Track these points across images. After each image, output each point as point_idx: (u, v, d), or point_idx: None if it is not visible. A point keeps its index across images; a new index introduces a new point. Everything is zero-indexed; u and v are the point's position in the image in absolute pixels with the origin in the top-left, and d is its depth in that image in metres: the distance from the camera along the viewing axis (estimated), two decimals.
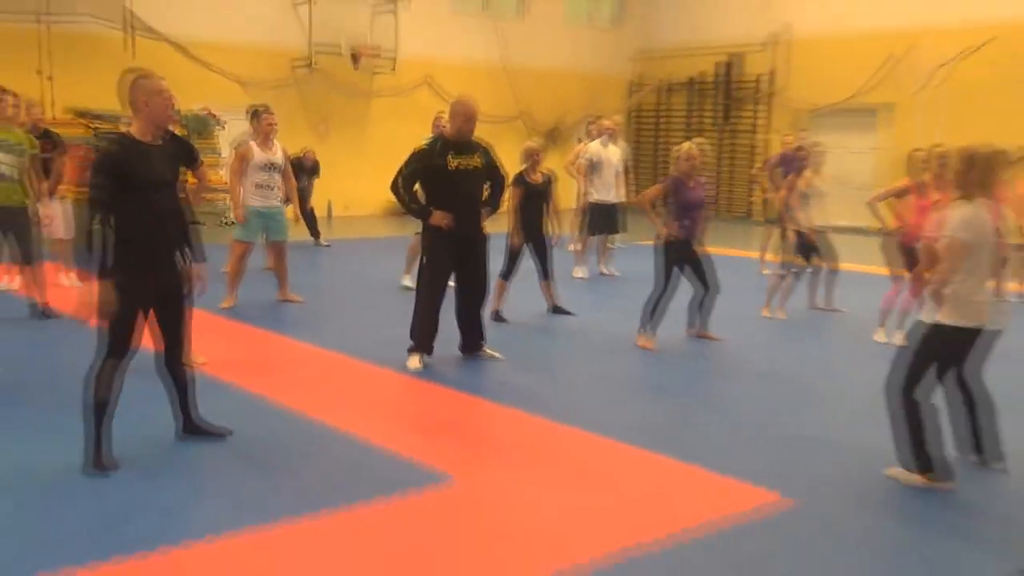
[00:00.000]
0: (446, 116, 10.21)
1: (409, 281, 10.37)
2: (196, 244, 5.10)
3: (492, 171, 7.15)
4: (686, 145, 8.02)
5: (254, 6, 17.85)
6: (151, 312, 4.92)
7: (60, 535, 4.03)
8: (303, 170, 13.56)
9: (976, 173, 4.77)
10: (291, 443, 5.31)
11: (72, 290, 9.53)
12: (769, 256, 12.02)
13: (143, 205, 4.69)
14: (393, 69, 19.11)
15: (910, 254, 8.24)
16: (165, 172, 4.81)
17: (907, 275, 8.26)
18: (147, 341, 5.01)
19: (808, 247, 9.27)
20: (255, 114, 9.26)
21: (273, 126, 9.13)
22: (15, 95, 8.24)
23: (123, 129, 4.97)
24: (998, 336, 4.97)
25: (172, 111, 4.87)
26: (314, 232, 14.19)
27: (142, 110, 4.75)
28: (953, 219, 4.72)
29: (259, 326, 8.40)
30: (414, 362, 7.03)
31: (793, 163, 11.31)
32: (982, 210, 4.75)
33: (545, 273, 9.12)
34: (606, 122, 12.08)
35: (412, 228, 10.63)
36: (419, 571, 3.83)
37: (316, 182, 14.94)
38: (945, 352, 4.90)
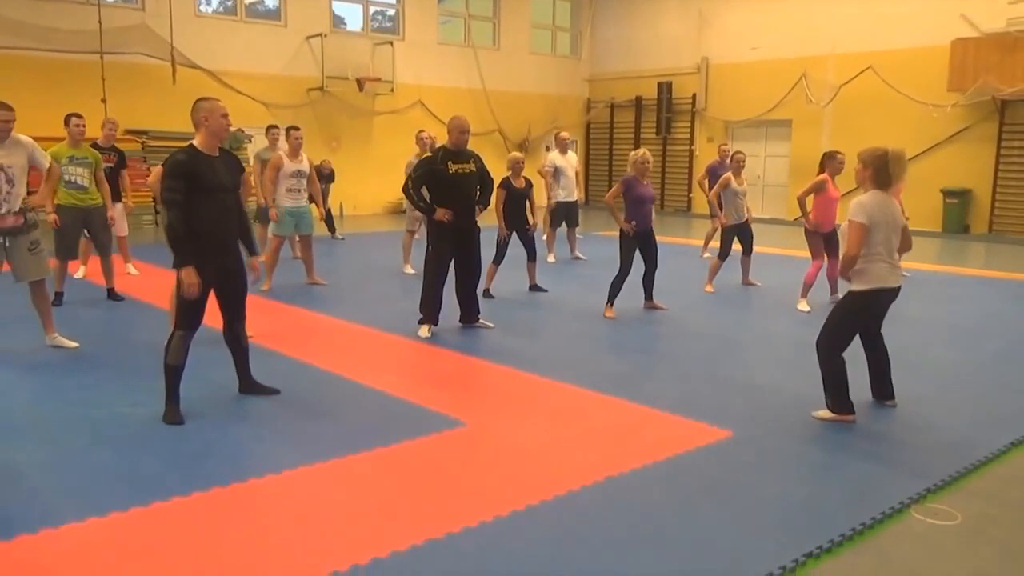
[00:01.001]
0: (426, 132, 10.41)
1: (409, 269, 10.44)
2: (251, 239, 5.16)
3: (483, 175, 7.23)
4: (640, 150, 8.10)
5: (275, 42, 17.75)
6: (214, 291, 4.95)
7: (149, 475, 4.07)
8: (322, 177, 13.54)
9: (872, 171, 4.92)
10: (330, 397, 5.39)
11: (134, 278, 9.61)
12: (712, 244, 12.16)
13: (211, 204, 4.73)
14: (392, 91, 19.05)
15: (827, 239, 8.42)
16: (226, 178, 4.83)
17: (823, 256, 8.44)
18: (208, 318, 5.06)
19: (736, 236, 9.44)
20: (287, 131, 9.27)
21: (300, 141, 9.15)
22: (80, 116, 8.21)
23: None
24: (895, 295, 5.02)
25: (228, 126, 4.90)
26: (331, 228, 14.16)
27: (203, 125, 4.77)
28: (855, 207, 4.86)
29: (293, 304, 8.45)
30: (423, 331, 7.11)
31: (721, 169, 11.52)
32: (878, 199, 4.89)
33: (531, 256, 9.19)
34: (564, 134, 12.16)
35: (405, 225, 10.72)
36: (448, 492, 3.92)
37: (332, 187, 14.94)
38: (864, 312, 5.02)
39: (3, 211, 5.98)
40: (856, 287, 4.94)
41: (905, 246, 5.09)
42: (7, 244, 6.07)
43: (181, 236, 4.64)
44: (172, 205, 4.64)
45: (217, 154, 4.84)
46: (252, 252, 5.18)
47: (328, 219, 13.99)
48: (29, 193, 6.28)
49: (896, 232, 4.96)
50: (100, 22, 14.82)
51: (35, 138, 6.31)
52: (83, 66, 15.01)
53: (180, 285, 4.75)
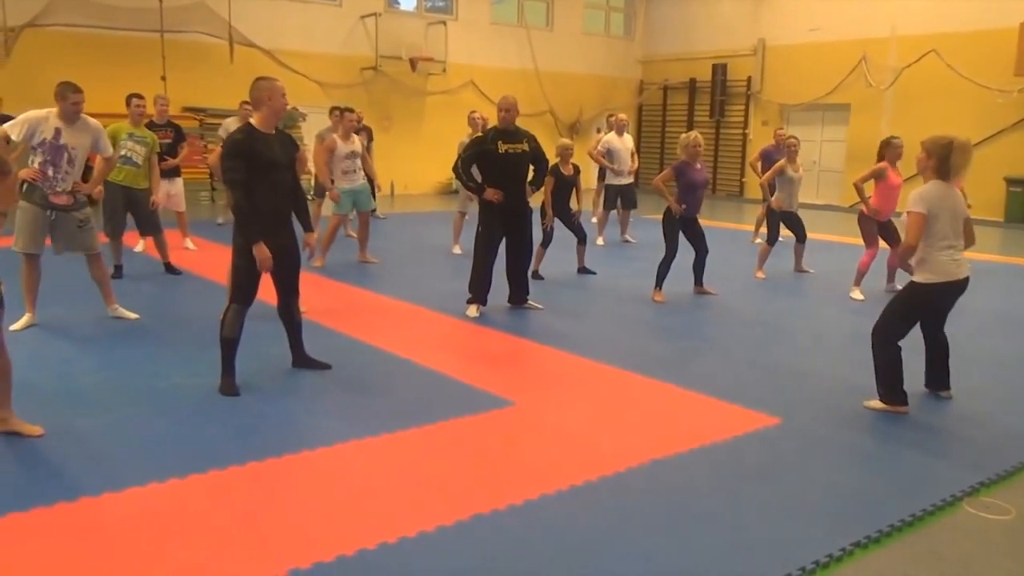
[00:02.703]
0: (478, 113, 10.43)
1: (458, 249, 10.51)
2: (307, 216, 5.24)
3: (537, 156, 7.21)
4: (691, 133, 8.02)
5: (330, 21, 17.86)
6: (272, 269, 5.01)
7: (206, 444, 4.18)
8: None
9: (935, 161, 4.81)
10: (381, 373, 5.47)
11: (191, 253, 9.83)
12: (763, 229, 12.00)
13: (266, 182, 4.79)
14: (444, 71, 19.08)
15: (882, 227, 8.26)
16: (281, 156, 4.89)
17: (877, 244, 8.28)
18: (262, 293, 5.17)
19: (784, 222, 9.33)
20: (340, 112, 9.35)
21: (354, 123, 9.23)
22: (141, 97, 8.36)
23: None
24: (962, 288, 4.89)
25: (286, 105, 4.94)
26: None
27: (264, 103, 4.83)
28: (915, 197, 4.77)
29: (345, 282, 8.57)
30: (472, 311, 7.17)
31: (776, 154, 11.34)
32: (939, 189, 4.78)
33: (581, 238, 9.17)
34: (622, 115, 12.05)
35: (456, 206, 10.76)
36: (495, 470, 3.97)
37: (379, 163, 14.90)
38: (925, 306, 4.92)
39: (59, 189, 6.11)
40: (919, 279, 4.85)
41: (969, 240, 4.92)
42: (53, 217, 6.15)
43: (248, 214, 4.74)
44: (234, 184, 4.72)
45: (273, 132, 4.92)
46: (307, 228, 5.26)
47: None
48: (85, 172, 6.42)
49: (959, 222, 4.85)
50: (161, 1, 15.08)
51: (96, 115, 6.43)
52: (144, 44, 15.30)
53: (239, 260, 4.84)
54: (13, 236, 6.21)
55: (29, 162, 6.06)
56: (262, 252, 4.77)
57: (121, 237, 8.41)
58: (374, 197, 13.76)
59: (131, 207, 8.32)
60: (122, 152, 8.10)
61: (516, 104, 7.06)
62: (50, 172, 6.04)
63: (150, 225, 8.48)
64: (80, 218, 6.26)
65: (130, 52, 15.23)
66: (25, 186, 6.00)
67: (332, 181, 9.12)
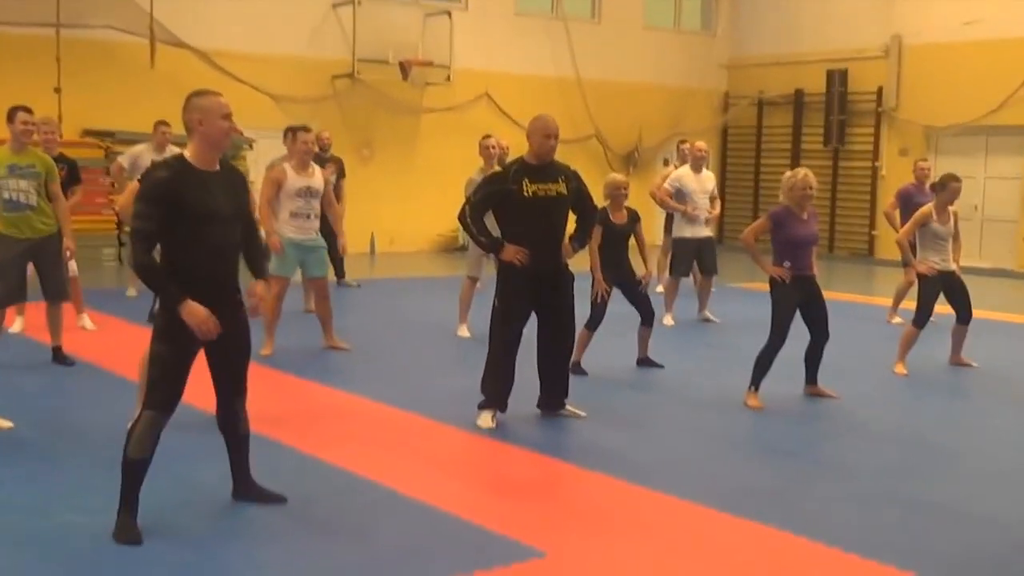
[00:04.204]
0: (494, 139, 10.57)
1: (465, 331, 10.57)
2: (261, 261, 5.35)
3: (580, 200, 7.30)
4: (799, 171, 8.09)
5: (290, 12, 18.27)
6: (205, 355, 5.09)
7: None
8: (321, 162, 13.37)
9: None
10: (353, 509, 5.47)
11: (88, 334, 9.94)
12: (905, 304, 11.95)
13: (202, 239, 4.87)
14: (447, 80, 19.40)
15: None
16: (225, 203, 4.97)
17: None
18: (193, 394, 5.23)
19: (940, 292, 9.33)
20: (292, 133, 9.52)
21: (310, 146, 9.39)
22: (29, 111, 8.52)
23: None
24: None
25: (231, 130, 5.03)
26: (338, 270, 13.75)
27: (196, 130, 4.92)
28: None
29: (304, 376, 8.63)
30: (486, 420, 7.18)
31: (919, 196, 11.38)
32: None
33: (646, 318, 9.19)
34: (700, 144, 12.19)
35: (463, 269, 10.86)
36: None
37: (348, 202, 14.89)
38: None
39: None
40: None
41: None
42: None
43: (152, 266, 4.82)
44: (140, 236, 4.80)
45: (216, 169, 5.02)
46: (257, 274, 5.34)
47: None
48: None
49: None
50: None
51: None
52: (30, 43, 15.68)
53: (161, 345, 4.90)
54: None
55: None
56: (193, 312, 4.77)
57: (10, 306, 8.53)
58: (336, 262, 13.66)
59: (34, 259, 8.48)
60: (4, 196, 8.26)
61: (558, 130, 7.20)
62: None
63: (56, 286, 8.64)
64: None
65: (12, 54, 15.62)
66: None
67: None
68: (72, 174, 9.90)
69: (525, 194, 7.06)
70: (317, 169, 9.54)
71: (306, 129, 9.44)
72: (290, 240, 9.25)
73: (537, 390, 7.53)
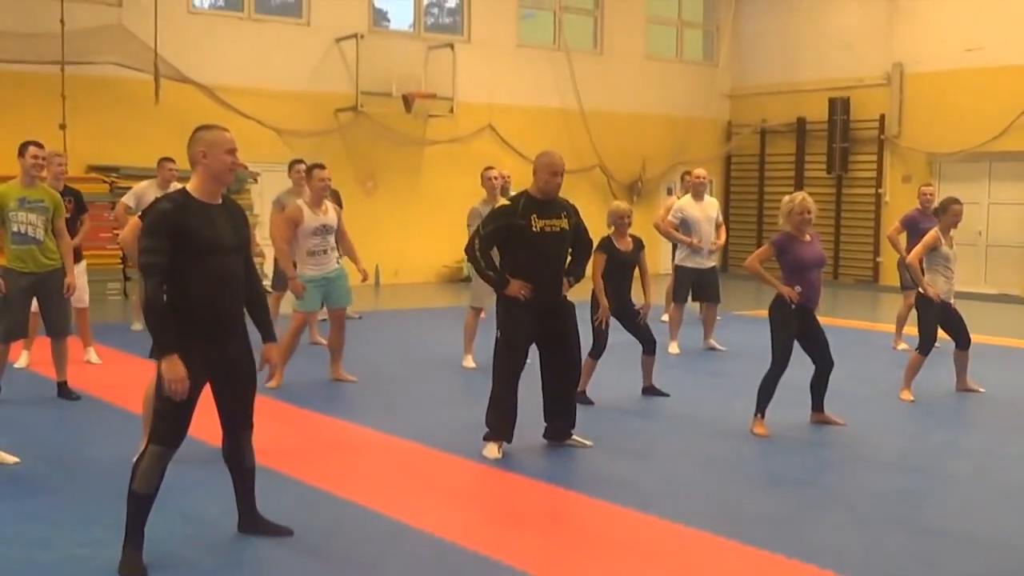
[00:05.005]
0: (496, 171, 10.61)
1: (470, 362, 10.58)
2: (265, 316, 5.33)
3: (578, 235, 7.37)
4: (797, 195, 8.12)
5: (294, 47, 18.46)
6: (211, 389, 5.10)
7: None
8: None
9: None
10: (360, 542, 5.47)
11: (94, 369, 9.97)
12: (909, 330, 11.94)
13: (206, 271, 4.89)
14: (451, 112, 19.55)
15: None
16: (229, 235, 5.01)
17: None
18: (200, 428, 5.23)
19: (943, 320, 9.32)
20: (307, 170, 9.59)
21: (326, 184, 9.43)
22: (40, 146, 8.61)
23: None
24: None
25: (234, 164, 5.08)
26: None
27: (200, 163, 4.97)
28: None
29: (311, 408, 8.65)
30: (492, 451, 7.19)
31: (924, 221, 11.39)
32: None
33: (648, 347, 9.19)
34: (701, 172, 12.21)
35: (468, 300, 10.86)
36: None
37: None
38: None
39: None
40: None
41: None
42: None
43: (162, 314, 4.83)
44: (151, 272, 4.81)
45: (218, 202, 5.07)
46: (267, 337, 5.34)
47: None
48: None
49: None
50: (63, 21, 15.61)
51: None
52: (37, 81, 15.86)
53: (160, 381, 4.93)
54: None
55: None
56: (172, 369, 4.77)
57: (15, 341, 8.56)
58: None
59: (38, 294, 8.51)
60: (13, 228, 8.33)
61: (564, 167, 7.26)
62: None
63: (58, 322, 8.66)
64: None
65: (18, 91, 15.79)
66: None
67: (295, 266, 9.28)
68: (79, 204, 10.10)
69: (534, 229, 7.12)
70: (330, 205, 9.59)
71: (321, 166, 9.47)
72: (312, 278, 9.29)
73: (543, 421, 7.54)
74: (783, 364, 7.94)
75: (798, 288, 7.89)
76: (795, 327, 7.95)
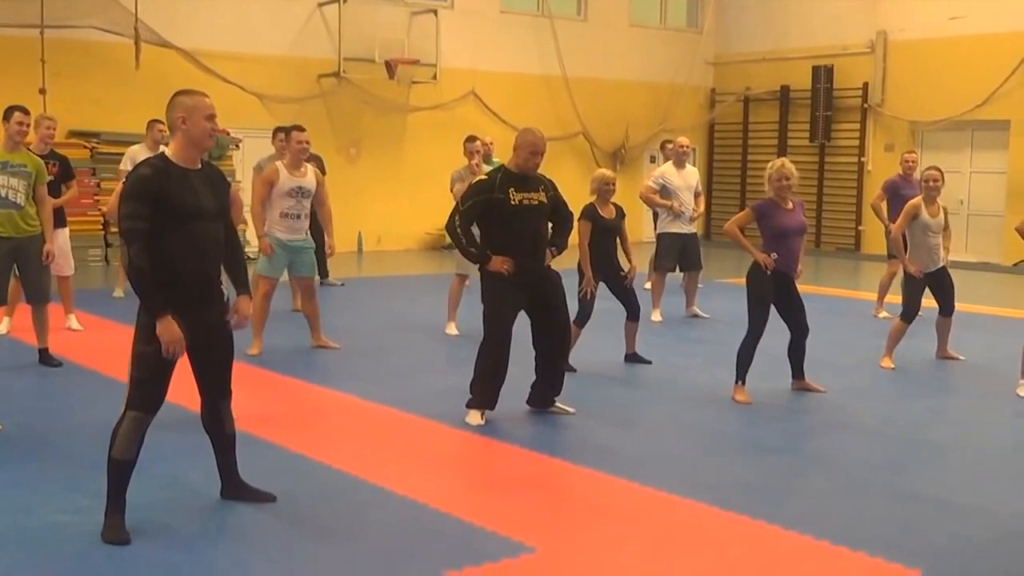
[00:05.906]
0: (480, 140, 10.60)
1: (454, 329, 10.58)
2: (242, 275, 5.31)
3: (557, 209, 7.38)
4: (777, 161, 8.14)
5: (275, 12, 18.32)
6: (188, 356, 5.07)
7: None
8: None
9: None
10: (342, 508, 5.47)
11: (76, 335, 9.92)
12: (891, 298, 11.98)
13: (186, 236, 4.87)
14: (434, 79, 19.49)
15: None
16: (208, 200, 4.98)
17: None
18: (178, 393, 5.22)
19: (927, 288, 9.35)
20: (285, 132, 9.55)
21: (304, 145, 9.38)
22: (26, 111, 8.56)
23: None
24: None
25: (214, 130, 5.04)
26: (322, 269, 13.36)
27: (179, 128, 4.94)
28: None
29: (292, 375, 8.64)
30: (475, 417, 7.18)
31: (906, 188, 11.43)
32: None
33: (632, 313, 9.22)
34: (683, 140, 12.21)
35: (452, 266, 10.86)
36: None
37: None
38: None
39: None
40: None
41: None
42: None
43: (149, 276, 4.81)
44: (132, 236, 4.80)
45: (198, 167, 5.03)
46: (241, 290, 5.30)
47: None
48: None
49: None
50: None
51: None
52: (14, 45, 15.69)
53: (144, 346, 4.89)
54: None
55: None
56: (168, 329, 4.79)
57: None
58: (321, 261, 13.58)
59: (17, 260, 8.47)
60: None
61: (546, 147, 7.25)
62: None
63: (38, 289, 8.62)
64: None
65: None
66: None
67: (265, 227, 9.22)
68: (65, 170, 10.00)
69: (512, 203, 7.13)
70: (310, 169, 9.52)
71: (300, 128, 9.44)
72: (279, 241, 9.26)
73: (526, 387, 7.54)
74: (759, 331, 7.97)
75: (774, 255, 7.90)
76: (771, 294, 7.97)
